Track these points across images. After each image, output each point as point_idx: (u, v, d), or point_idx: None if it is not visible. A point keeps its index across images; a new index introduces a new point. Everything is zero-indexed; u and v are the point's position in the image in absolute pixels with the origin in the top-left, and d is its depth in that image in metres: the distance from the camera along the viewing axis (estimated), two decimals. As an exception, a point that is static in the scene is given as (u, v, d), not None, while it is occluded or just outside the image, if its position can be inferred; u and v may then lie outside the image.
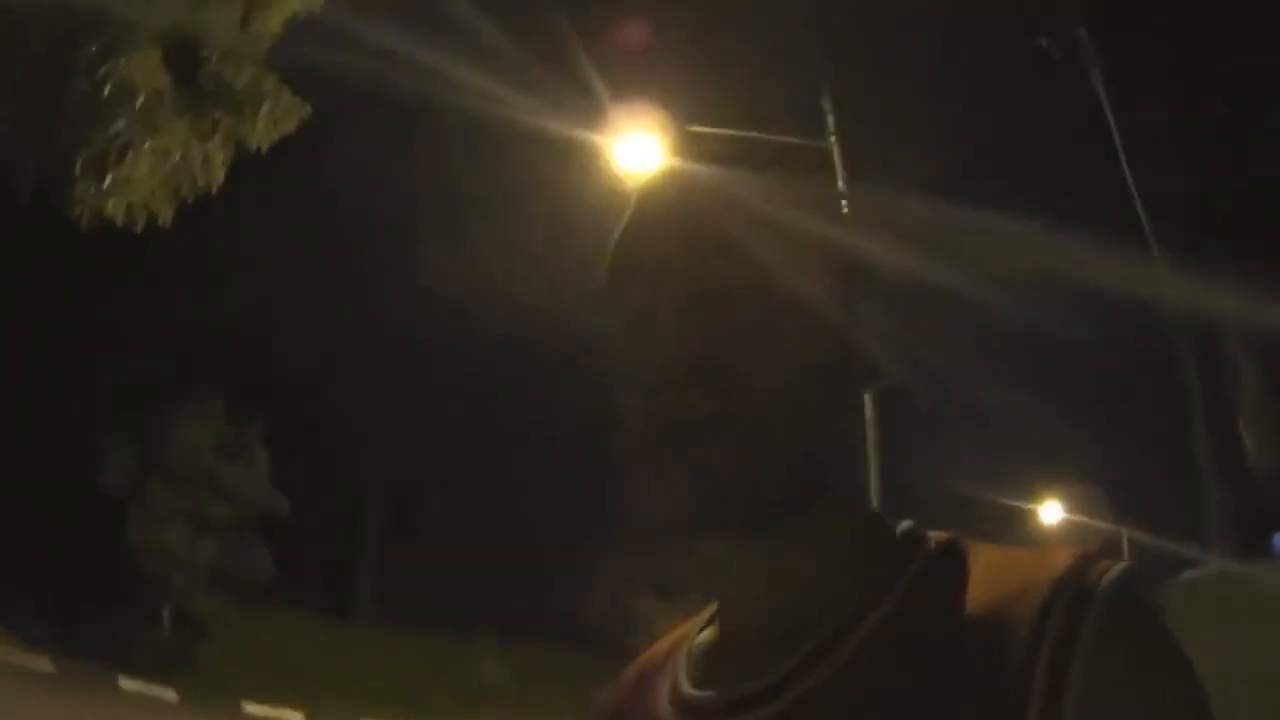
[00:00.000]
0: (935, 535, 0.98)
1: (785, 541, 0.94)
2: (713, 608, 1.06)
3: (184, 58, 10.05)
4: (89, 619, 25.06)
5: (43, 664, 21.42)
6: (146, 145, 9.19)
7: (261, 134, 10.51)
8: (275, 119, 10.50)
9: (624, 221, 1.03)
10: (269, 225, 29.42)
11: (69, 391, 27.83)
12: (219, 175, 10.59)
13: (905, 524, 1.01)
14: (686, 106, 13.50)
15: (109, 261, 22.86)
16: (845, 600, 0.93)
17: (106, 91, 8.59)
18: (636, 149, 12.96)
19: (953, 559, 0.94)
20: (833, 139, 13.20)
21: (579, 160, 13.93)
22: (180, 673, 25.16)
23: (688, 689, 1.00)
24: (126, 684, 22.73)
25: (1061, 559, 0.87)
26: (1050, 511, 27.47)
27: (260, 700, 24.77)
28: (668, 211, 1.01)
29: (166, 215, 10.40)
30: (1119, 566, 0.86)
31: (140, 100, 8.80)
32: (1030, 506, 27.87)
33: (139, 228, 10.26)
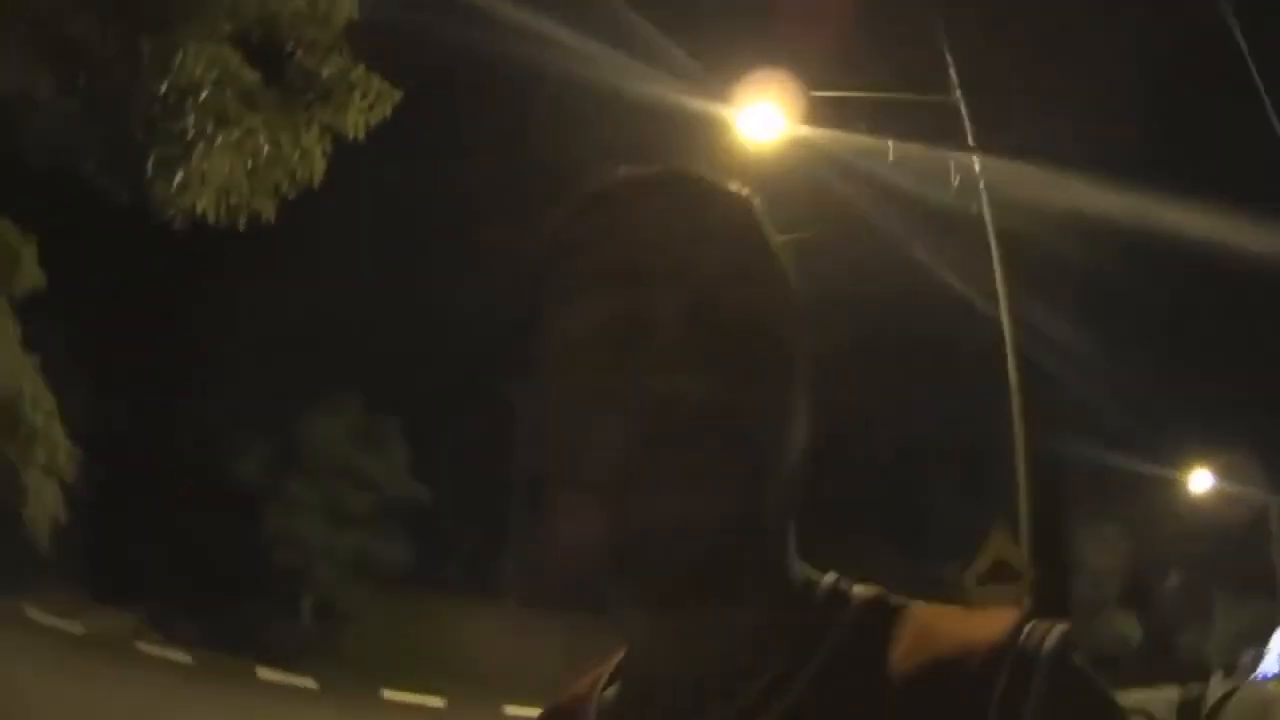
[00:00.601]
0: (860, 593, 0.94)
1: (723, 608, 0.86)
2: (615, 661, 1.00)
3: (267, 53, 10.01)
4: (229, 612, 25.72)
5: (181, 656, 22.01)
6: (219, 141, 8.97)
7: (356, 123, 10.41)
8: (368, 106, 10.36)
9: (630, 206, 0.91)
10: (399, 212, 29.83)
11: (206, 389, 28.54)
12: (319, 168, 10.56)
13: (829, 579, 0.95)
14: (814, 73, 13.01)
15: (241, 259, 23.27)
16: (769, 660, 0.87)
17: (164, 89, 8.35)
18: (761, 118, 12.98)
19: (880, 618, 0.90)
20: (958, 93, 12.73)
21: (702, 132, 13.93)
22: (322, 662, 25.73)
23: None
24: (265, 673, 23.24)
25: (1000, 622, 0.85)
26: (1199, 480, 27.22)
27: (401, 687, 25.12)
28: (702, 215, 0.90)
29: (269, 212, 10.35)
30: (1057, 630, 0.84)
31: (204, 95, 8.56)
32: (1178, 475, 27.77)
33: (241, 225, 10.25)
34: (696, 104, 14.03)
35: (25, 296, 12.19)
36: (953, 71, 12.77)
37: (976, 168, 12.34)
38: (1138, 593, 36.58)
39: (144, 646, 22.13)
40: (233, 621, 25.13)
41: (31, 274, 11.54)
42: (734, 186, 0.94)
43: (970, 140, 12.59)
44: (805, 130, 13.13)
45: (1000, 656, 0.82)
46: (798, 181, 13.85)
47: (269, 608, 27.23)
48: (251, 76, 10.02)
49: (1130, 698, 14.41)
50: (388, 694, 24.65)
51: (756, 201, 0.94)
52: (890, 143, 13.07)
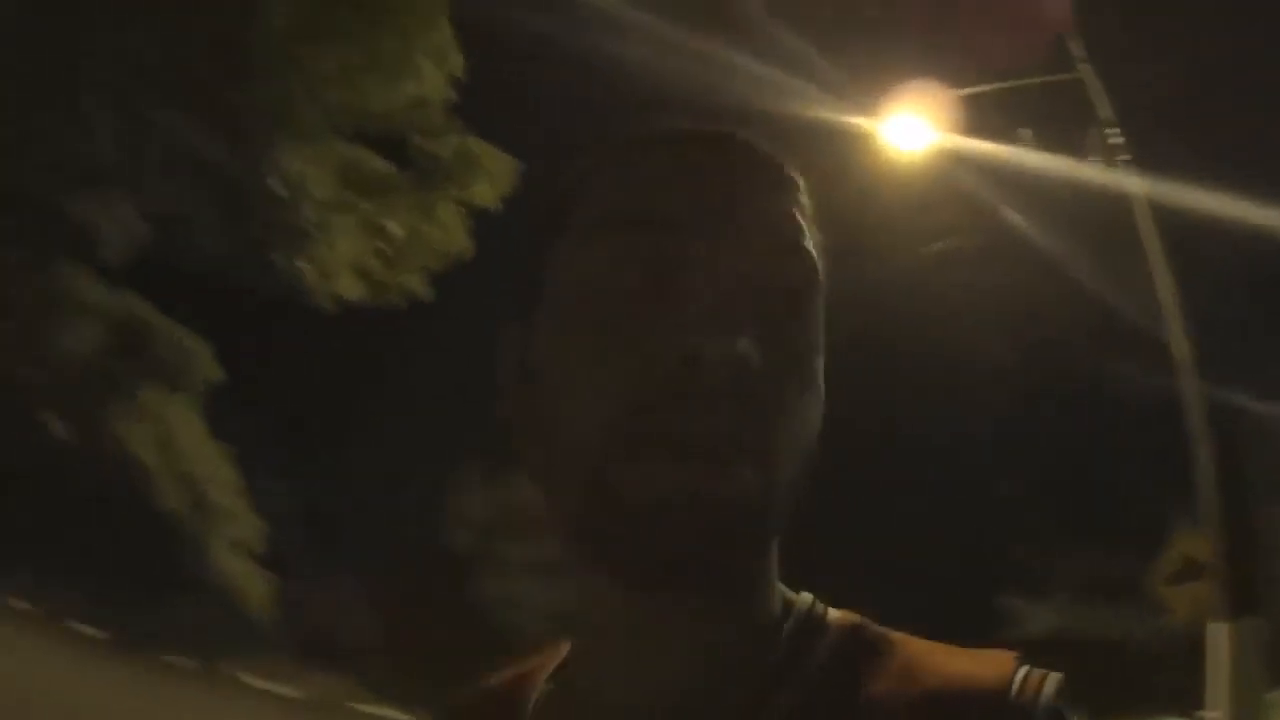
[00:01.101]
0: (841, 615, 0.87)
1: (711, 601, 0.80)
2: (560, 654, 0.92)
3: (393, 144, 10.76)
4: (444, 675, 26.48)
5: (399, 714, 22.82)
6: (336, 229, 9.74)
7: (486, 195, 10.99)
8: (492, 180, 10.95)
9: (673, 154, 0.83)
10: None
11: (412, 459, 29.68)
12: (462, 241, 11.12)
13: (805, 598, 0.88)
14: (960, 78, 12.93)
15: (432, 332, 24.46)
16: (736, 682, 0.80)
17: (279, 186, 9.21)
18: (906, 129, 12.69)
19: (859, 648, 0.83)
20: (1084, 68, 12.58)
21: (847, 144, 13.93)
22: None
23: None
24: None
25: (994, 665, 0.81)
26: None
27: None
28: (747, 175, 0.82)
29: (421, 288, 11.01)
30: (1052, 680, 0.80)
31: (319, 190, 9.37)
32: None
33: (398, 302, 10.99)
34: (840, 117, 14.03)
35: (211, 390, 13.10)
36: (1074, 47, 12.56)
37: (1113, 144, 12.08)
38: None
39: (360, 707, 23.11)
40: (449, 684, 25.89)
41: (210, 369, 12.49)
42: (783, 160, 0.86)
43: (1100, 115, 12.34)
44: (954, 139, 13.10)
45: (995, 705, 0.78)
46: (946, 190, 13.91)
47: (485, 669, 27.92)
48: (380, 165, 10.84)
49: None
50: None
51: (803, 182, 0.86)
52: (1029, 134, 12.87)
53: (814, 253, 0.82)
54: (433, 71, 9.76)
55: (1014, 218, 14.12)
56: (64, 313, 11.05)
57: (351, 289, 10.61)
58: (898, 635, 0.85)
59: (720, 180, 0.81)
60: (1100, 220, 13.02)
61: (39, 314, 10.79)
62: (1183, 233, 11.67)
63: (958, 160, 13.23)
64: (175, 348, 12.35)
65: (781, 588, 0.87)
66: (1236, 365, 12.07)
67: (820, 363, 0.82)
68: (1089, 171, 12.47)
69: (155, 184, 10.48)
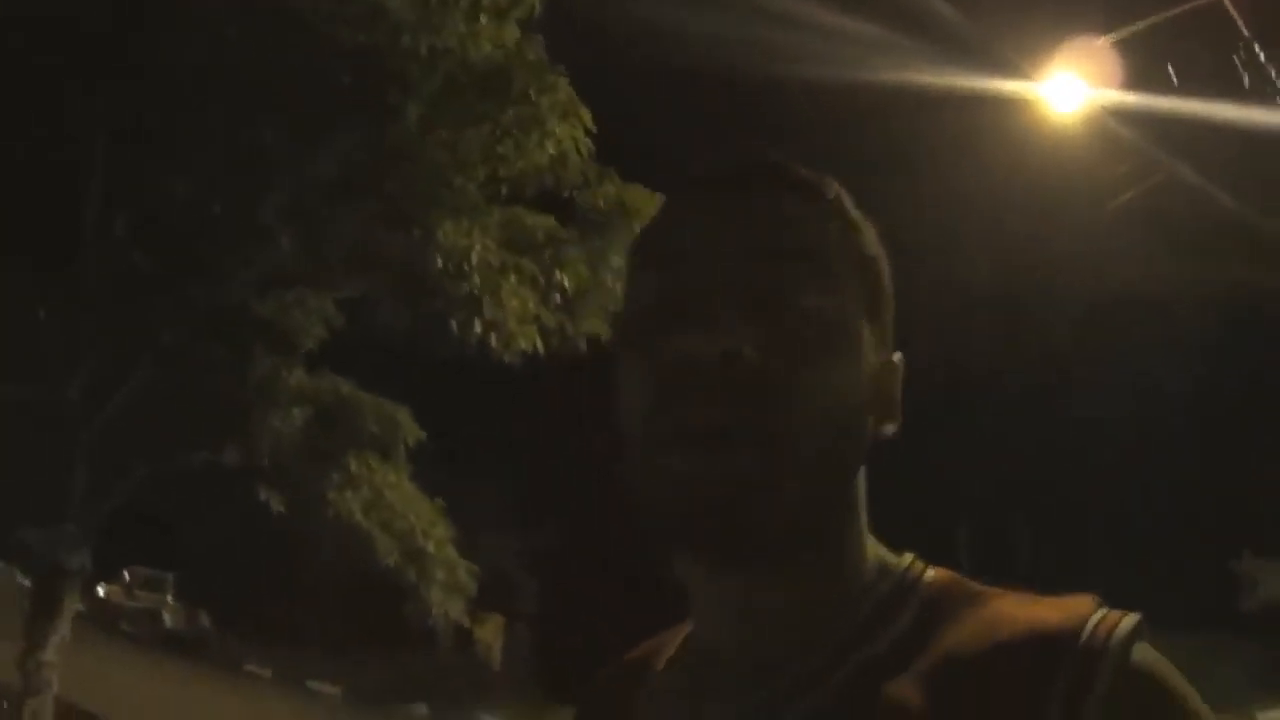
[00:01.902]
0: (936, 574, 0.96)
1: (781, 572, 0.91)
2: (686, 627, 1.05)
3: (550, 201, 11.31)
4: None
5: None
6: (502, 289, 10.29)
7: (650, 232, 11.51)
8: (643, 219, 11.42)
9: (684, 195, 0.99)
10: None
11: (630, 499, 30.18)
12: (635, 283, 11.65)
13: (907, 558, 0.98)
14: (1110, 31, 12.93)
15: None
16: (832, 638, 0.91)
17: (440, 261, 9.83)
18: (1063, 89, 13.23)
19: (950, 601, 0.91)
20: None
21: (1008, 110, 14.37)
22: None
23: (662, 709, 1.00)
24: None
25: (1069, 612, 0.85)
26: None
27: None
28: (746, 201, 0.95)
29: (603, 330, 11.60)
30: (1128, 621, 0.84)
31: (476, 255, 9.96)
32: None
33: (582, 348, 11.56)
34: (997, 84, 14.15)
35: (420, 453, 13.75)
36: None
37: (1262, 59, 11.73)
38: None
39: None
40: None
41: (411, 431, 13.17)
42: (811, 176, 0.97)
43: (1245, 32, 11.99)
44: (1112, 94, 13.21)
45: (1065, 647, 0.82)
46: (1106, 146, 13.71)
47: None
48: (544, 222, 11.42)
49: None
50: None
51: (833, 191, 0.97)
52: (1171, 71, 12.60)
53: (842, 259, 0.94)
54: (564, 130, 10.29)
55: (1183, 167, 13.80)
56: (271, 400, 11.78)
57: (529, 343, 11.15)
58: (990, 590, 0.92)
59: (716, 209, 0.94)
60: (1267, 155, 12.68)
61: (247, 404, 11.54)
62: None
63: (1118, 114, 13.12)
64: (378, 417, 13.05)
65: (881, 551, 0.97)
66: None
67: (855, 361, 0.92)
68: (1248, 110, 12.18)
69: (336, 277, 11.33)
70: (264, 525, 13.46)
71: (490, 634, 17.30)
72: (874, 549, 0.97)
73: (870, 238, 0.99)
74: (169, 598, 27.34)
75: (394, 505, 13.22)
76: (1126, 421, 30.69)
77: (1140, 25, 12.72)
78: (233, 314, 11.24)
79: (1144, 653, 0.83)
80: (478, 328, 10.52)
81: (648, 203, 11.35)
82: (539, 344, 11.28)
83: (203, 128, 10.25)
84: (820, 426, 0.87)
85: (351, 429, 12.92)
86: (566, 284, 11.31)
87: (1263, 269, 19.36)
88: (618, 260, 11.42)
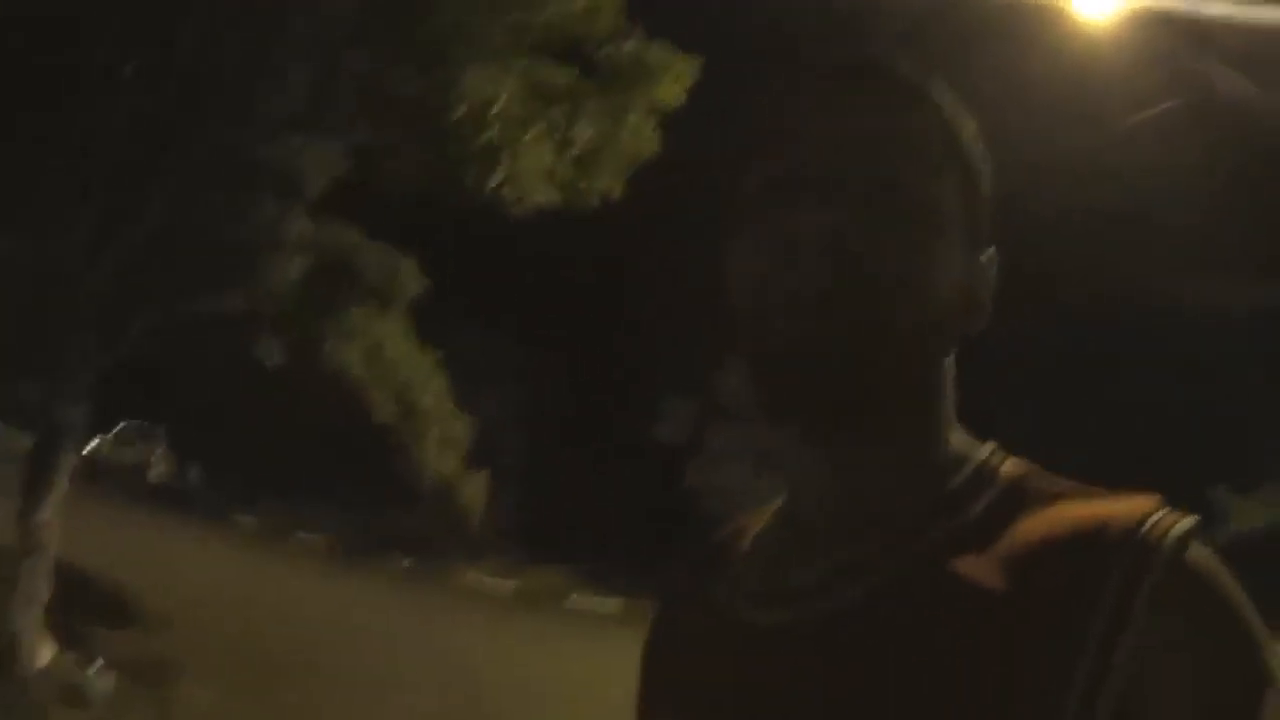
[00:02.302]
0: (1014, 464, 0.99)
1: (867, 446, 0.96)
2: (772, 506, 1.09)
3: (579, 54, 10.91)
4: (658, 564, 27.05)
5: (612, 607, 23.41)
6: (524, 140, 9.94)
7: (671, 94, 11.16)
8: (675, 78, 11.07)
9: (793, 89, 1.03)
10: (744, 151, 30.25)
11: (623, 359, 30.15)
12: (653, 141, 11.36)
13: (988, 447, 1.01)
14: None
15: (642, 235, 24.77)
16: (912, 513, 0.94)
17: (462, 111, 9.46)
18: None
19: (1021, 493, 0.94)
20: None
21: (1038, 16, 13.55)
22: None
23: (741, 574, 1.04)
24: None
25: (1130, 509, 0.88)
26: None
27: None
28: (858, 92, 1.00)
29: (616, 190, 11.30)
30: (1184, 522, 0.87)
31: (497, 108, 9.58)
32: None
33: (594, 204, 11.30)
34: None
35: (419, 304, 13.52)
36: None
37: None
38: None
39: (576, 600, 23.73)
40: (664, 572, 26.37)
41: (413, 283, 12.92)
42: (917, 74, 1.01)
43: None
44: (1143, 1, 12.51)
45: (1121, 544, 0.84)
46: (1142, 56, 13.41)
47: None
48: (565, 74, 11.02)
49: None
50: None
51: (938, 90, 1.01)
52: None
53: (943, 150, 0.98)
54: (601, -23, 9.88)
55: (1222, 79, 13.48)
56: (275, 247, 11.49)
57: (545, 197, 10.85)
58: (1063, 483, 0.95)
59: (829, 101, 0.99)
60: None
61: (250, 251, 11.23)
62: None
63: (1155, 22, 12.75)
64: (380, 267, 12.78)
65: (963, 440, 1.01)
66: None
67: (953, 247, 0.97)
68: None
69: (349, 123, 10.90)
70: (260, 377, 13.26)
71: (475, 490, 17.20)
72: (958, 436, 1.01)
73: (971, 136, 1.02)
74: (160, 450, 27.38)
75: (392, 358, 13.04)
76: (1119, 341, 30.69)
77: None
78: (240, 158, 10.81)
79: (1198, 552, 0.85)
80: (495, 180, 10.16)
81: (672, 62, 10.99)
82: (554, 199, 10.98)
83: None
84: (916, 307, 0.92)
85: (354, 279, 12.66)
86: (584, 139, 10.94)
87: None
88: (635, 118, 11.12)
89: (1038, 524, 0.89)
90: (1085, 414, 30.38)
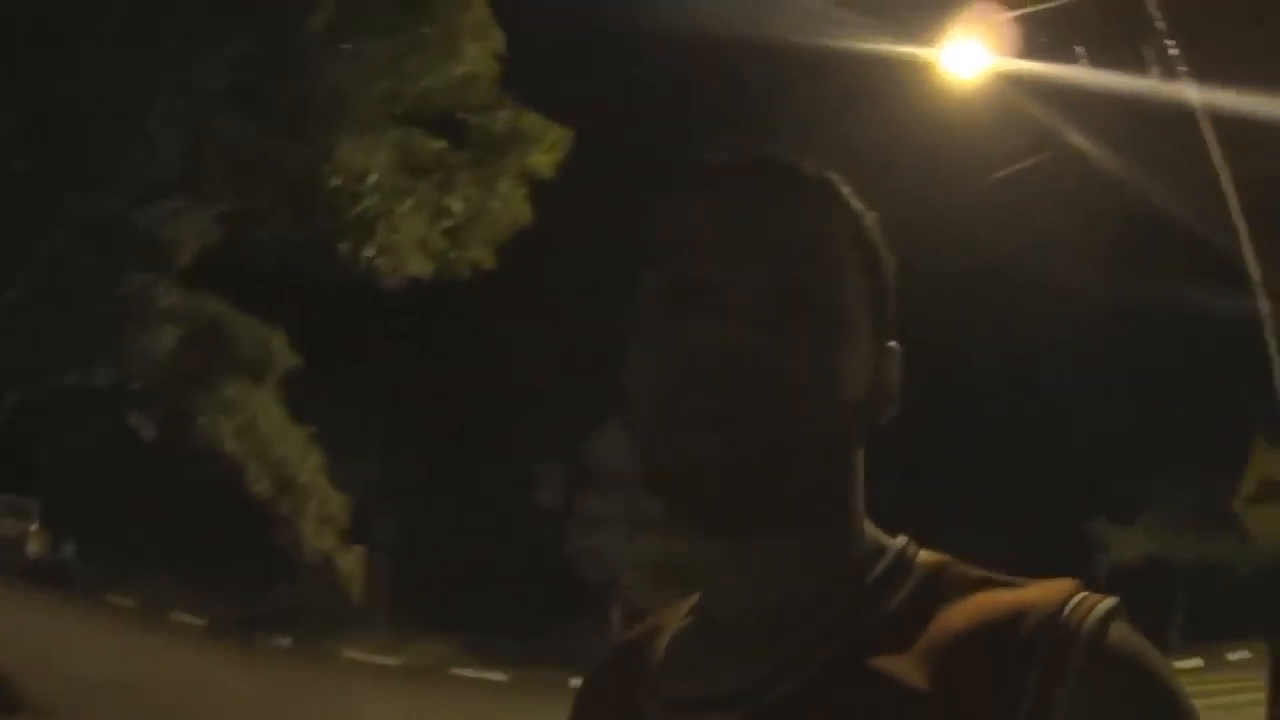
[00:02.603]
0: (927, 557, 0.98)
1: (783, 548, 0.94)
2: (694, 598, 1.05)
3: (447, 124, 10.94)
4: (542, 632, 26.76)
5: (497, 675, 23.11)
6: (396, 212, 9.95)
7: (544, 164, 11.19)
8: (547, 148, 11.13)
9: (698, 188, 1.00)
10: (616, 218, 30.59)
11: (495, 428, 30.01)
12: (525, 211, 11.36)
13: (899, 541, 1.00)
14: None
15: (508, 307, 24.76)
16: (834, 610, 0.93)
17: (337, 181, 9.45)
18: (964, 55, 12.87)
19: (939, 585, 0.94)
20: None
21: (908, 74, 13.96)
22: None
23: (663, 680, 1.00)
24: (578, 684, 24.04)
25: (1048, 594, 0.88)
26: None
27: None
28: (752, 198, 0.97)
29: (488, 260, 11.25)
30: (1103, 603, 0.87)
31: (371, 179, 9.58)
32: None
33: (466, 274, 11.25)
34: (897, 47, 13.81)
35: (290, 377, 13.35)
36: None
37: (1186, 74, 11.76)
38: None
39: (460, 671, 23.34)
40: (546, 639, 26.13)
41: (284, 358, 12.75)
42: (815, 170, 0.99)
43: (1158, 25, 12.01)
44: (1010, 62, 12.90)
45: (1042, 630, 0.84)
46: (1004, 114, 13.74)
47: (580, 622, 28.13)
48: (436, 144, 11.04)
49: None
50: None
51: (837, 185, 0.99)
52: (1082, 53, 12.63)
53: (841, 248, 0.96)
54: (475, 51, 9.93)
55: (1078, 137, 13.87)
56: (143, 317, 11.29)
57: (419, 268, 10.82)
58: (980, 574, 0.94)
59: (739, 203, 0.96)
60: (1164, 134, 12.79)
61: (119, 322, 11.03)
62: (1247, 144, 11.39)
63: (1017, 83, 13.09)
64: (252, 341, 12.60)
65: (877, 533, 0.99)
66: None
67: (855, 345, 0.94)
68: (1147, 86, 12.22)
69: (220, 190, 10.78)
70: (134, 450, 12.98)
71: (353, 564, 16.95)
72: (870, 530, 1.00)
73: (871, 230, 1.01)
74: (33, 526, 26.57)
75: (267, 433, 12.84)
76: (994, 386, 31.37)
77: (1048, 5, 12.67)
78: (109, 224, 10.64)
79: (1119, 632, 0.85)
80: (369, 251, 10.13)
81: (545, 131, 11.08)
82: (427, 270, 10.97)
83: (91, 28, 9.57)
84: (820, 414, 0.91)
85: (225, 352, 12.46)
86: (457, 209, 10.96)
87: (1146, 247, 19.66)
88: (506, 186, 11.17)
89: (959, 614, 0.90)
90: (960, 458, 30.90)
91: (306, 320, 14.29)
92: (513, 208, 11.29)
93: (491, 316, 26.41)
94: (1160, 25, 12.06)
